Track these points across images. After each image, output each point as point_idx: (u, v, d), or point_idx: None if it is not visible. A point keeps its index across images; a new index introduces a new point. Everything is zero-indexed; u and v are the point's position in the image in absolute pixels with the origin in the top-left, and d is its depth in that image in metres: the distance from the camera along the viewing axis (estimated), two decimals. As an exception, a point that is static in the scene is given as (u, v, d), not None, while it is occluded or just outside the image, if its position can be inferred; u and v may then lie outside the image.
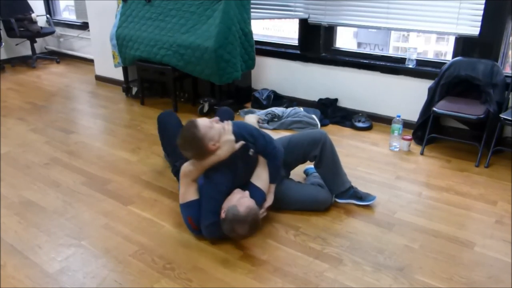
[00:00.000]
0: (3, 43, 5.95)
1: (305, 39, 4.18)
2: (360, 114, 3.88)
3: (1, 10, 5.76)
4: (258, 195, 2.27)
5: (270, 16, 4.34)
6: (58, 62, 6.28)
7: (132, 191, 2.78)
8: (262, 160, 2.36)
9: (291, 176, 2.67)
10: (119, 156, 3.29)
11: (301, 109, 3.87)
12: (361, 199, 2.57)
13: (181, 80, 4.40)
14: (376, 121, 3.85)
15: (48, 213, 2.54)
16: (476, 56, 3.27)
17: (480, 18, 3.18)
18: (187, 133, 2.17)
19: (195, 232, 2.30)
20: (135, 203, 2.63)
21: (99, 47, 5.14)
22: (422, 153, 3.28)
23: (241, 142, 2.24)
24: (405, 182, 2.87)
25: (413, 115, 3.53)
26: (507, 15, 3.11)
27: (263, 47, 4.39)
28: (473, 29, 3.24)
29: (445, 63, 3.34)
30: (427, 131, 3.29)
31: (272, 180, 2.37)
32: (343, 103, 4.05)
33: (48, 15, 6.41)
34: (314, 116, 3.79)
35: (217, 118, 2.30)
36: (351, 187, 2.58)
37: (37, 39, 6.14)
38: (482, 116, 3.00)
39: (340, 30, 4.13)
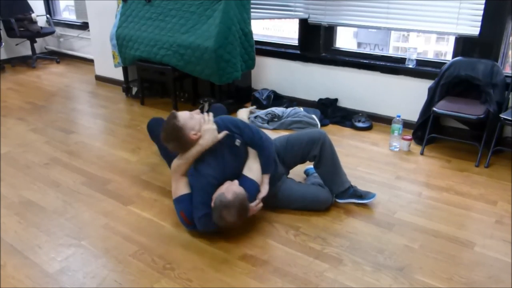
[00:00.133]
0: (3, 43, 5.95)
1: (305, 39, 4.18)
2: (360, 114, 3.88)
3: (1, 10, 5.76)
4: (251, 186, 2.27)
5: (270, 16, 4.34)
6: (58, 62, 6.28)
7: (132, 191, 2.78)
8: (252, 152, 2.38)
9: (292, 176, 2.67)
10: (119, 156, 3.29)
11: (301, 109, 3.87)
12: (362, 198, 2.57)
13: (181, 80, 4.40)
14: (376, 121, 3.85)
15: (48, 213, 2.54)
16: (476, 56, 3.27)
17: (480, 18, 3.18)
18: (168, 125, 2.23)
19: (189, 227, 2.31)
20: (135, 203, 2.64)
21: (99, 47, 5.14)
22: (422, 153, 3.28)
23: (225, 132, 2.28)
24: (405, 182, 2.87)
25: (413, 115, 3.53)
26: (507, 15, 3.11)
27: (263, 47, 4.39)
28: (473, 29, 3.24)
29: (445, 63, 3.34)
30: (427, 131, 3.29)
31: (264, 170, 2.36)
32: (343, 103, 4.05)
33: (48, 15, 6.41)
34: (314, 116, 3.79)
35: (197, 110, 2.35)
36: (351, 186, 2.58)
37: (37, 39, 6.14)
38: (482, 116, 3.00)
39: (340, 30, 4.13)
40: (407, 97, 3.66)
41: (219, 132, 2.28)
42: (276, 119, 3.82)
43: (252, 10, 3.95)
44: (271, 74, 4.41)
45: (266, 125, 3.80)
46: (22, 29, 5.78)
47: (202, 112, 2.40)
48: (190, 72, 3.96)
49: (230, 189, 2.14)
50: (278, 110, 3.87)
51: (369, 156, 3.26)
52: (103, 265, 2.09)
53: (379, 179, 2.89)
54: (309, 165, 2.77)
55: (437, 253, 2.16)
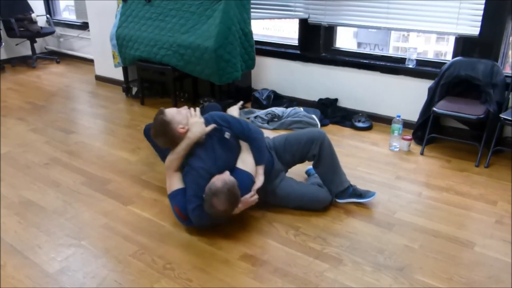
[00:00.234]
0: (3, 43, 5.95)
1: (305, 39, 4.18)
2: (360, 114, 3.88)
3: (1, 10, 5.76)
4: (244, 177, 2.28)
5: (270, 16, 4.34)
6: (58, 62, 6.28)
7: (132, 191, 2.78)
8: (245, 145, 2.40)
9: (293, 176, 2.67)
10: (119, 156, 3.29)
11: (301, 109, 3.87)
12: (361, 196, 2.57)
13: (181, 80, 4.40)
14: (376, 121, 3.85)
15: (48, 213, 2.54)
16: (476, 56, 3.27)
17: (480, 18, 3.18)
18: (156, 121, 2.32)
19: (185, 223, 2.32)
20: (135, 203, 2.63)
21: (99, 47, 5.14)
22: (422, 153, 3.28)
23: (213, 125, 2.33)
24: (405, 182, 2.87)
25: (413, 115, 3.53)
26: (507, 15, 3.11)
27: (263, 47, 4.39)
28: (473, 29, 3.24)
29: (445, 63, 3.34)
30: (427, 131, 3.29)
31: (258, 161, 2.38)
32: (343, 103, 4.05)
33: (48, 15, 6.41)
34: (314, 116, 3.79)
35: (185, 106, 2.42)
36: (350, 186, 2.58)
37: (37, 39, 6.14)
38: (482, 116, 3.00)
39: (340, 30, 4.13)
40: (407, 97, 3.66)
41: (207, 126, 2.34)
42: (276, 119, 3.82)
43: (252, 10, 3.95)
44: (271, 74, 4.41)
45: (266, 125, 3.80)
46: (22, 29, 5.78)
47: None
48: (190, 72, 3.96)
49: (220, 178, 2.17)
50: (278, 110, 3.87)
51: (369, 156, 3.25)
52: (103, 265, 2.09)
53: (379, 179, 2.89)
54: (310, 165, 2.77)
55: (437, 253, 2.16)
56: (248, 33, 3.91)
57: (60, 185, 2.86)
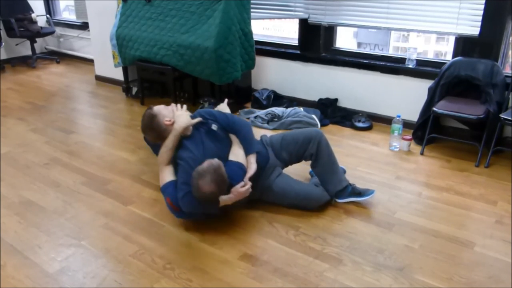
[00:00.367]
0: (3, 43, 5.95)
1: (305, 39, 4.18)
2: (360, 114, 3.88)
3: (1, 10, 5.76)
4: (236, 168, 2.30)
5: (270, 16, 4.34)
6: (58, 62, 6.28)
7: (132, 191, 2.78)
8: (235, 140, 2.45)
9: (294, 177, 2.67)
10: (119, 156, 3.29)
11: (301, 109, 3.87)
12: (361, 195, 2.57)
13: (181, 80, 4.40)
14: (376, 121, 3.85)
15: (48, 213, 2.54)
16: (476, 56, 3.27)
17: (480, 18, 3.18)
18: (144, 116, 2.44)
19: (177, 214, 2.33)
20: (135, 203, 2.63)
21: (99, 47, 5.14)
22: (422, 153, 3.28)
23: (198, 118, 2.45)
24: (405, 182, 2.87)
25: (413, 115, 3.52)
26: (507, 15, 3.11)
27: (263, 47, 4.39)
28: (473, 29, 3.24)
29: (445, 63, 3.34)
30: (427, 131, 3.29)
31: (248, 150, 2.42)
32: (343, 103, 4.05)
33: (48, 15, 6.41)
34: (314, 116, 3.79)
35: (172, 104, 2.53)
36: (349, 185, 2.58)
37: (37, 39, 6.14)
38: (482, 116, 3.00)
39: (340, 30, 4.13)
40: (407, 97, 3.66)
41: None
42: (276, 119, 3.82)
43: (252, 10, 3.94)
44: (271, 74, 4.41)
45: (266, 125, 3.80)
46: (22, 29, 5.78)
47: None
48: (190, 72, 3.96)
49: (206, 161, 2.20)
50: (278, 110, 3.87)
51: (369, 156, 3.25)
52: (103, 265, 2.09)
53: (379, 179, 2.89)
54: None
55: (437, 253, 2.16)
56: (248, 33, 3.90)
57: (60, 185, 2.86)
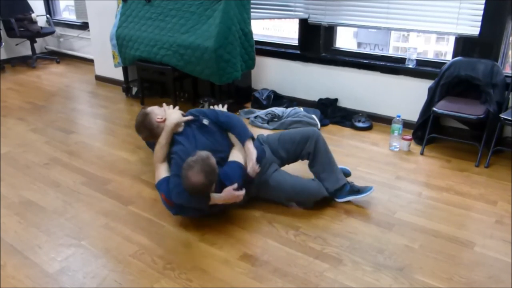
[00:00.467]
0: (3, 43, 5.95)
1: (305, 39, 4.18)
2: (360, 114, 3.88)
3: (1, 10, 5.76)
4: (234, 165, 2.33)
5: (270, 16, 4.34)
6: (58, 62, 6.28)
7: (132, 191, 2.78)
8: (236, 142, 2.47)
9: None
10: (119, 156, 3.29)
11: (301, 109, 3.87)
12: (359, 192, 2.57)
13: (181, 80, 4.40)
14: (376, 121, 3.85)
15: (48, 213, 2.54)
16: (476, 56, 3.27)
17: (480, 18, 3.18)
18: (138, 116, 2.58)
19: (172, 210, 2.34)
20: (135, 203, 2.63)
21: (99, 47, 5.14)
22: (422, 153, 3.28)
23: (190, 116, 2.54)
24: (405, 182, 2.87)
25: (413, 115, 3.52)
26: (507, 15, 3.11)
27: (263, 47, 4.39)
28: (473, 29, 3.24)
29: (445, 63, 3.34)
30: (427, 131, 3.29)
31: (242, 137, 2.46)
32: (343, 103, 4.05)
33: (48, 15, 6.41)
34: (314, 116, 3.79)
35: (164, 104, 2.64)
36: (347, 183, 2.58)
37: (37, 39, 6.14)
38: (482, 116, 3.00)
39: (340, 30, 4.13)
40: (407, 97, 3.66)
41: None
42: (276, 119, 3.82)
43: (252, 10, 3.94)
44: (271, 74, 4.41)
45: (266, 125, 3.80)
46: (22, 29, 5.78)
47: None
48: (190, 72, 3.96)
49: (195, 152, 2.22)
50: (278, 110, 3.87)
51: (369, 156, 3.25)
52: (103, 265, 2.09)
53: (379, 179, 2.89)
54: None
55: (437, 253, 2.16)
56: (248, 33, 3.90)
57: (60, 185, 2.86)
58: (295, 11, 4.10)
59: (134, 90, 4.69)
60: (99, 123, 3.98)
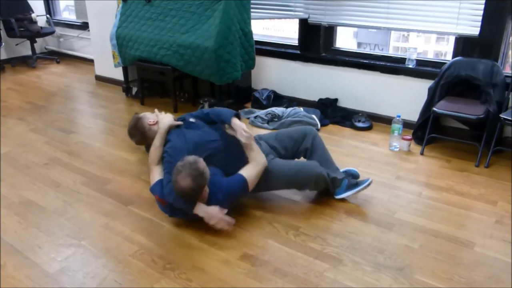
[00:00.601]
0: (3, 43, 5.95)
1: (305, 39, 4.18)
2: (360, 114, 3.88)
3: (1, 10, 5.76)
4: (238, 181, 2.31)
5: (270, 16, 4.34)
6: (58, 62, 6.28)
7: (132, 191, 2.78)
8: (250, 157, 2.41)
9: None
10: (119, 156, 3.29)
11: (301, 109, 3.87)
12: (357, 185, 2.57)
13: (181, 80, 4.40)
14: (376, 121, 3.85)
15: (48, 213, 2.54)
16: (476, 56, 3.27)
17: (480, 18, 3.18)
18: (130, 120, 2.69)
19: (169, 213, 2.34)
20: (135, 203, 2.63)
21: (99, 47, 5.14)
22: (422, 153, 3.28)
23: (180, 122, 2.62)
24: (405, 182, 2.87)
25: (413, 115, 3.53)
26: (507, 15, 3.11)
27: (263, 47, 4.39)
28: (473, 29, 3.24)
29: (445, 63, 3.34)
30: (427, 131, 3.29)
31: (227, 118, 2.52)
32: (343, 103, 4.05)
33: (48, 15, 6.41)
34: (314, 116, 3.79)
35: (156, 110, 2.74)
36: (344, 178, 2.59)
37: (37, 39, 6.14)
38: (482, 116, 3.00)
39: (340, 30, 4.13)
40: (407, 97, 3.66)
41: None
42: (276, 119, 3.82)
43: (252, 10, 3.95)
44: (271, 74, 4.41)
45: (266, 125, 3.80)
46: (22, 29, 5.78)
47: None
48: (190, 72, 3.96)
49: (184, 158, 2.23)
50: (278, 110, 3.87)
51: (369, 156, 3.25)
52: (103, 265, 2.09)
53: (379, 179, 2.89)
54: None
55: (437, 253, 2.16)
56: (248, 33, 3.90)
57: (60, 185, 2.86)
58: (295, 11, 4.10)
59: (134, 90, 4.69)
60: (99, 123, 3.98)
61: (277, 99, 4.26)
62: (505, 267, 2.07)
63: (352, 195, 2.60)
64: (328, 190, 2.62)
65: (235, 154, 2.46)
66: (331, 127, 3.84)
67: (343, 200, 2.63)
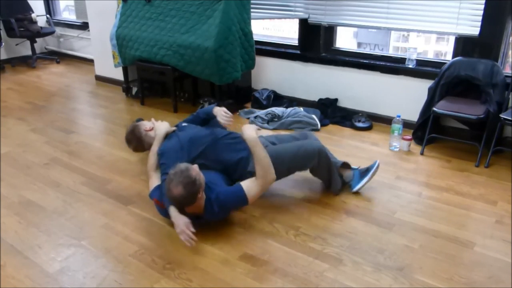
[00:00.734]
0: (3, 43, 5.95)
1: (305, 39, 4.18)
2: (360, 114, 3.88)
3: (1, 10, 5.76)
4: (235, 192, 2.27)
5: (270, 16, 4.34)
6: (58, 62, 6.28)
7: (132, 191, 2.78)
8: (257, 173, 2.28)
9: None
10: (119, 156, 3.29)
11: (301, 109, 3.87)
12: (368, 170, 2.67)
13: (181, 80, 4.40)
14: (376, 121, 3.85)
15: (48, 213, 2.54)
16: (476, 56, 3.27)
17: (480, 18, 3.18)
18: (128, 128, 2.80)
19: (166, 214, 2.32)
20: (135, 203, 2.64)
21: (99, 47, 5.14)
22: (422, 153, 3.28)
23: (175, 127, 2.75)
24: (405, 182, 2.87)
25: (413, 115, 3.53)
26: (507, 15, 3.11)
27: (263, 47, 4.39)
28: (473, 29, 3.24)
29: (445, 63, 3.34)
30: (427, 131, 3.29)
31: (210, 109, 2.78)
32: (343, 103, 4.05)
33: (48, 15, 6.41)
34: (314, 116, 3.79)
35: (152, 118, 2.84)
36: (355, 169, 2.71)
37: (37, 39, 6.14)
38: (482, 116, 3.00)
39: (340, 30, 4.13)
40: (407, 97, 3.66)
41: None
42: (276, 119, 3.82)
43: (252, 10, 3.95)
44: (271, 74, 4.41)
45: (266, 125, 3.80)
46: (22, 29, 5.78)
47: None
48: (190, 72, 3.96)
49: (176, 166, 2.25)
50: (278, 110, 3.87)
51: (369, 156, 3.25)
52: (103, 265, 2.09)
53: (379, 179, 2.89)
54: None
55: (437, 253, 2.16)
56: (248, 33, 3.91)
57: (60, 185, 2.86)
58: (295, 11, 4.10)
59: (134, 90, 4.69)
60: (99, 123, 3.98)
61: (277, 99, 4.26)
62: (505, 267, 2.07)
63: (367, 183, 2.66)
64: (329, 187, 2.66)
65: (226, 145, 2.55)
66: (331, 127, 3.84)
67: (343, 200, 2.63)
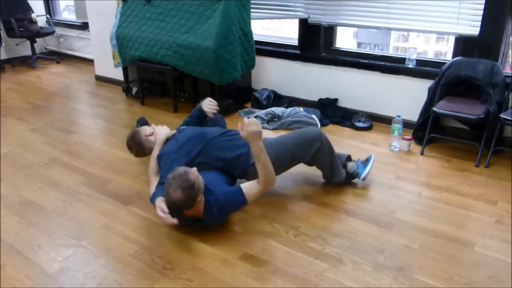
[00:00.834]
0: (3, 43, 5.95)
1: (305, 39, 4.18)
2: (360, 114, 3.88)
3: (1, 10, 5.76)
4: (233, 193, 2.27)
5: (270, 16, 4.34)
6: (58, 62, 6.28)
7: (132, 191, 2.78)
8: (260, 176, 2.26)
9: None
10: (119, 156, 3.29)
11: (301, 109, 3.87)
12: (368, 160, 2.77)
13: (181, 80, 4.40)
14: (376, 121, 3.85)
15: (48, 213, 2.54)
16: (476, 56, 3.27)
17: (480, 18, 3.18)
18: (128, 134, 2.82)
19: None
20: (135, 203, 2.63)
21: (99, 47, 5.14)
22: (422, 153, 3.28)
23: (175, 131, 2.79)
24: (405, 182, 2.87)
25: (413, 115, 3.52)
26: (507, 15, 3.11)
27: (263, 47, 4.39)
28: (473, 29, 3.24)
29: (445, 63, 3.34)
30: (427, 131, 3.29)
31: (199, 105, 2.89)
32: (343, 103, 4.05)
33: (48, 15, 6.42)
34: (314, 116, 3.79)
35: (153, 124, 2.88)
36: (355, 161, 2.78)
37: (37, 39, 6.14)
38: (482, 116, 3.00)
39: (340, 30, 4.13)
40: (407, 97, 3.66)
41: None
42: (276, 119, 3.82)
43: (252, 10, 3.95)
44: (271, 74, 4.41)
45: (266, 125, 3.79)
46: (22, 29, 5.78)
47: None
48: (190, 72, 3.96)
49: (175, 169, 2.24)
50: (278, 110, 3.87)
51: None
52: (103, 265, 2.09)
53: (379, 179, 2.89)
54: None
55: (437, 253, 2.16)
56: (248, 33, 3.91)
57: (60, 185, 2.86)
58: (295, 11, 4.10)
59: (134, 90, 4.69)
60: (99, 123, 3.98)
61: (277, 99, 4.26)
62: (505, 267, 2.07)
63: (370, 170, 2.76)
64: (332, 177, 2.71)
65: (224, 142, 2.57)
66: (331, 127, 3.84)
67: (343, 200, 2.64)
